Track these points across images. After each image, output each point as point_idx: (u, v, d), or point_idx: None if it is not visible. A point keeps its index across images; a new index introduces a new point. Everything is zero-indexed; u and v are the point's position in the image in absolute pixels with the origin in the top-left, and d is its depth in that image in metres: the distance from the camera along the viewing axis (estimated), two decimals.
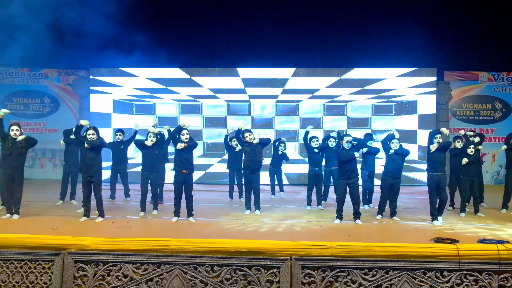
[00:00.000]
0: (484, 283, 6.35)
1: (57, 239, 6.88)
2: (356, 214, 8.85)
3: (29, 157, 16.09)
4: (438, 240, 6.85)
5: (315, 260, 6.51)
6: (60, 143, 10.92)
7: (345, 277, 6.46)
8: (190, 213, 8.87)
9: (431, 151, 8.70)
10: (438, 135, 8.77)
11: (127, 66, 15.46)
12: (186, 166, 8.81)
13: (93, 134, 8.67)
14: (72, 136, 10.05)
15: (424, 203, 10.29)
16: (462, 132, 10.37)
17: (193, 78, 15.59)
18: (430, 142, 8.77)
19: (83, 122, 8.85)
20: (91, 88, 15.73)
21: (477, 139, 10.01)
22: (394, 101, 15.65)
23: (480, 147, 10.12)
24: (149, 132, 9.61)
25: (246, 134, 9.61)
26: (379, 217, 9.28)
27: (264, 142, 9.83)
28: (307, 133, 10.60)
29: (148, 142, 9.44)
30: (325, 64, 15.79)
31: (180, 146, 8.73)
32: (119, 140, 11.08)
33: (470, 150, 9.60)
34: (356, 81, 15.38)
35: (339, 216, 8.83)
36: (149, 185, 9.71)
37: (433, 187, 8.72)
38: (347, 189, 8.88)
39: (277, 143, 11.94)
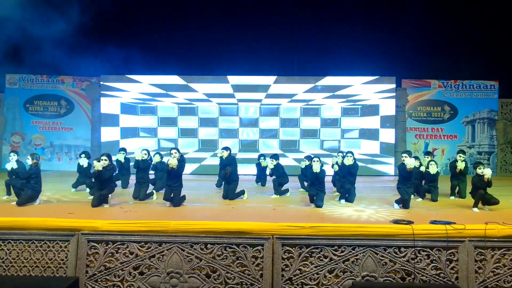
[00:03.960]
0: (435, 257, 6.44)
1: (73, 222, 6.83)
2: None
3: (47, 151, 15.95)
4: (396, 222, 6.92)
5: (293, 238, 6.55)
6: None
7: (318, 253, 6.50)
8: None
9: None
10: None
11: (133, 74, 15.41)
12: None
13: (105, 159, 8.44)
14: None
15: (385, 190, 10.37)
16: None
17: (189, 84, 15.54)
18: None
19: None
20: (102, 92, 15.61)
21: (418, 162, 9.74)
22: (360, 104, 15.72)
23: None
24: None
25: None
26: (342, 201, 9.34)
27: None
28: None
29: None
30: (302, 72, 15.88)
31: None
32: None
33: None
34: (328, 87, 15.46)
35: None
36: None
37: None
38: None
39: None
